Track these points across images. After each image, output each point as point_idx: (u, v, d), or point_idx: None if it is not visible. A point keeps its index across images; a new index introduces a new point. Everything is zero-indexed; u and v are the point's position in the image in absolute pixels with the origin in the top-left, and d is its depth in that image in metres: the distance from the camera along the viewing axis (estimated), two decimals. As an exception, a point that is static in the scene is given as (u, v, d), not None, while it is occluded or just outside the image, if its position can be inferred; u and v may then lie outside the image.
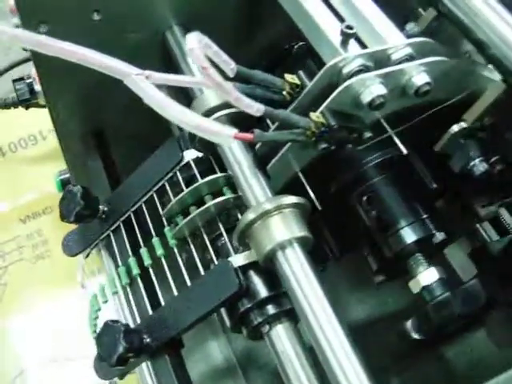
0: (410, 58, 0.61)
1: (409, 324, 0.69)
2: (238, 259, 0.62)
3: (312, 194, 0.62)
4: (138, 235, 0.70)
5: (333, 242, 0.74)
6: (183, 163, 0.68)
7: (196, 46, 0.48)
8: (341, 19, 0.64)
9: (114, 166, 0.78)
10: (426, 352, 0.94)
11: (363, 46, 0.63)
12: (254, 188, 0.61)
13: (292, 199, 0.59)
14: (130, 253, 0.69)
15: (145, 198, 0.69)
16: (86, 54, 0.53)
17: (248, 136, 0.53)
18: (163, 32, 0.74)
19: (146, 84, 0.54)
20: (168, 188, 0.68)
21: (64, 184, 0.91)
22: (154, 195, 0.70)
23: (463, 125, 0.64)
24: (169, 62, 0.74)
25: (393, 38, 0.62)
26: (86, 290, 0.77)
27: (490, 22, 0.61)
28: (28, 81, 0.92)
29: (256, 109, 0.51)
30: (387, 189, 0.70)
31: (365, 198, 0.70)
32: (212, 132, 0.52)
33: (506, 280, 0.81)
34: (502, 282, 0.81)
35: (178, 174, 0.69)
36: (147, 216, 0.68)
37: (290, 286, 0.56)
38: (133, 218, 0.70)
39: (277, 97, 0.59)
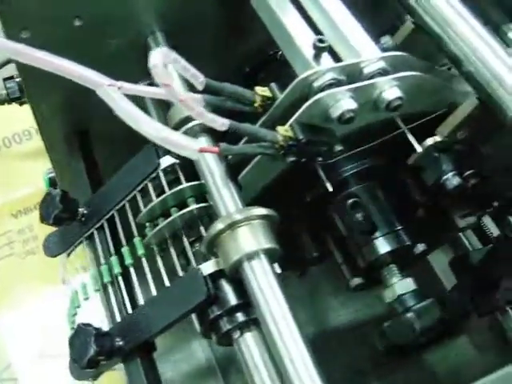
0: (383, 72, 0.61)
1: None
2: (208, 267, 0.62)
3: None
4: (110, 242, 0.71)
5: (310, 249, 0.75)
6: (160, 169, 0.69)
7: (159, 62, 0.49)
8: (317, 31, 0.64)
9: (97, 168, 0.79)
10: (408, 357, 0.94)
11: (338, 58, 0.63)
12: (225, 198, 0.62)
13: (261, 211, 0.59)
14: (102, 260, 0.71)
15: (121, 204, 0.70)
16: (60, 63, 0.54)
17: (214, 149, 0.54)
18: (146, 38, 0.74)
19: (117, 95, 0.55)
20: (138, 196, 0.69)
21: (52, 182, 0.93)
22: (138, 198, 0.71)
23: (437, 138, 0.64)
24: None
25: (367, 52, 0.62)
26: (68, 286, 0.79)
27: (464, 37, 0.61)
28: (18, 79, 0.93)
29: (220, 123, 0.52)
30: (364, 199, 0.71)
31: (341, 208, 0.71)
32: (178, 145, 0.53)
33: (485, 289, 0.82)
34: (482, 291, 0.82)
35: (156, 180, 0.70)
36: (118, 224, 0.70)
37: (254, 296, 0.57)
38: (106, 225, 0.71)
39: (248, 109, 0.60)
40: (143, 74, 0.73)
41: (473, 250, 0.85)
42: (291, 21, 0.64)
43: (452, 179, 0.65)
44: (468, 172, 0.67)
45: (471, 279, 0.81)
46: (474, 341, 0.98)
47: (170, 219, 0.65)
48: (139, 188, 0.69)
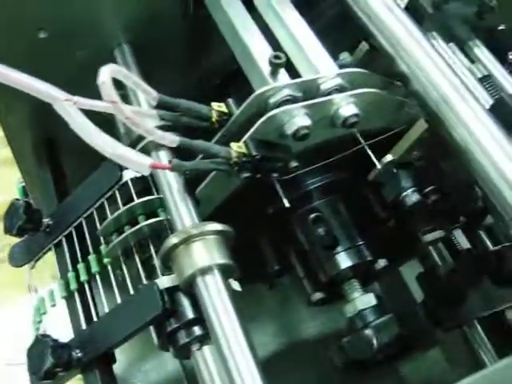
0: (340, 89, 0.61)
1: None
2: (164, 281, 0.62)
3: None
4: (68, 256, 0.72)
5: (272, 262, 0.75)
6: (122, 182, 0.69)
7: (107, 79, 0.49)
8: (276, 46, 0.64)
9: (64, 179, 0.79)
10: (380, 369, 0.94)
11: (296, 74, 0.63)
12: (182, 212, 0.62)
13: (215, 226, 0.60)
14: (70, 267, 0.71)
15: (85, 215, 0.70)
16: (17, 77, 0.54)
17: (165, 166, 0.54)
18: (112, 50, 0.75)
19: (73, 109, 0.55)
20: (106, 206, 0.69)
21: (25, 191, 0.93)
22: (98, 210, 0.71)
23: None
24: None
25: (324, 68, 0.62)
26: (35, 295, 0.79)
27: (413, 55, 0.60)
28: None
29: (170, 140, 0.52)
30: (326, 213, 0.71)
31: (303, 222, 0.71)
32: (129, 161, 0.53)
33: (452, 302, 0.82)
34: (447, 306, 0.82)
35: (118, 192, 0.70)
36: (86, 233, 0.70)
37: (206, 311, 0.57)
38: (66, 238, 0.72)
39: (205, 125, 0.60)
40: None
41: (439, 265, 0.85)
42: (250, 36, 0.64)
43: (411, 195, 0.66)
44: (428, 188, 0.67)
45: (437, 294, 0.81)
46: (447, 353, 0.98)
47: (135, 227, 0.65)
48: (100, 201, 0.69)
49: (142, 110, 0.56)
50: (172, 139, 0.52)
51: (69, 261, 0.71)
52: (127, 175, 0.69)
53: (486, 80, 0.70)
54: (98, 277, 0.68)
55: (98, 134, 0.53)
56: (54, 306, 0.72)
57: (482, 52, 0.73)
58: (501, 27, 1.01)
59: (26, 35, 0.69)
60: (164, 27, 0.74)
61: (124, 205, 0.68)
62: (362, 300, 0.68)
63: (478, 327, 0.82)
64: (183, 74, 0.79)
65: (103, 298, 0.68)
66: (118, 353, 0.92)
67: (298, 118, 0.57)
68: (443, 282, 0.81)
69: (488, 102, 0.65)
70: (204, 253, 0.58)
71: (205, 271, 0.58)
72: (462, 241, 0.86)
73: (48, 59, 0.70)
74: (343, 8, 0.67)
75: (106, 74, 0.49)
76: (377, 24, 0.63)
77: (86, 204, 0.71)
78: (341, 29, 0.72)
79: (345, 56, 0.65)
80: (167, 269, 0.61)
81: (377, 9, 0.64)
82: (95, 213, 0.70)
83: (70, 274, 0.70)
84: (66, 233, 0.72)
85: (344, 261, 0.69)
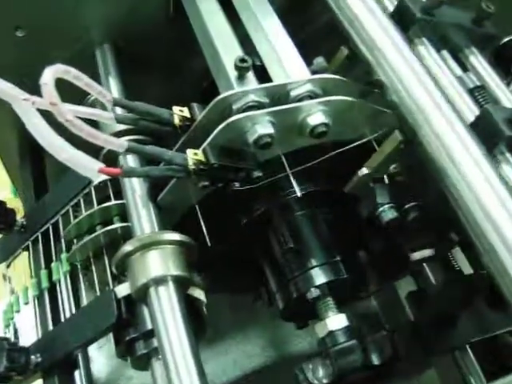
0: (313, 96, 0.58)
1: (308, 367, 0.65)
2: (122, 289, 0.61)
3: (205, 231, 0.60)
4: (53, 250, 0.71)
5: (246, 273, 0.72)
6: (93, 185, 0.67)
7: (49, 81, 0.47)
8: (251, 50, 0.62)
9: (44, 179, 0.79)
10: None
11: (268, 79, 0.60)
12: (142, 219, 0.60)
13: (173, 236, 0.58)
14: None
15: (56, 217, 0.69)
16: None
17: (115, 171, 0.52)
18: (93, 50, 0.73)
19: (30, 110, 0.54)
20: (70, 211, 0.68)
21: (19, 189, 0.93)
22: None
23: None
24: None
25: (296, 73, 0.59)
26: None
27: (392, 64, 0.57)
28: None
29: (117, 144, 0.50)
30: (302, 226, 0.68)
31: (276, 234, 0.68)
32: (79, 165, 0.51)
33: (442, 325, 0.77)
34: (438, 328, 0.77)
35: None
36: (51, 238, 0.69)
37: (155, 323, 0.55)
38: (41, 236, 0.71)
39: (167, 129, 0.58)
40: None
41: (432, 284, 0.80)
42: (222, 39, 0.62)
43: (388, 212, 0.62)
44: (409, 205, 0.63)
45: (426, 316, 0.77)
46: (442, 376, 0.93)
47: (94, 234, 0.64)
48: (72, 203, 0.68)
49: (97, 112, 0.54)
50: (119, 143, 0.50)
51: (42, 260, 0.70)
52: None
53: (478, 90, 0.65)
54: (62, 279, 0.68)
55: (51, 136, 0.52)
56: (26, 303, 0.72)
57: (477, 60, 0.68)
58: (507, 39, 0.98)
59: (5, 33, 0.68)
60: (147, 28, 0.73)
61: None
62: (333, 321, 0.64)
63: (469, 351, 0.77)
64: (168, 76, 0.77)
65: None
66: (102, 357, 0.91)
67: (261, 126, 0.54)
68: (432, 303, 0.77)
69: (475, 113, 0.61)
70: (159, 263, 0.56)
71: (158, 282, 0.56)
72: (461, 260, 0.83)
73: (26, 57, 0.70)
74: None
75: (48, 76, 0.48)
76: (356, 28, 0.59)
77: (57, 205, 0.70)
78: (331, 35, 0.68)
79: (319, 61, 0.61)
80: (123, 277, 0.60)
81: (357, 12, 0.60)
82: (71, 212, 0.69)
83: (42, 272, 0.69)
84: (41, 231, 0.71)
85: (318, 277, 0.65)
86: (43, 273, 0.68)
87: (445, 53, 0.68)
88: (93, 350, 0.89)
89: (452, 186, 0.51)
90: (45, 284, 0.68)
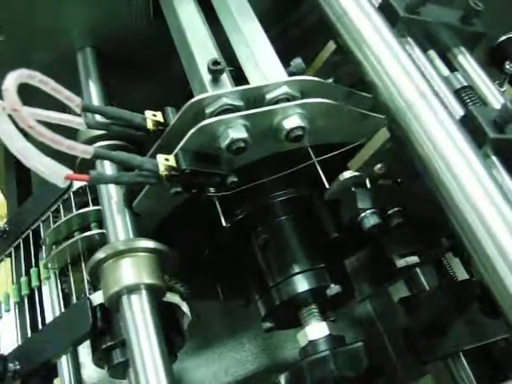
0: (290, 98, 0.56)
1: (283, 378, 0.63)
2: (98, 297, 0.59)
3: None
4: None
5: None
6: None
7: (10, 86, 0.46)
8: (227, 56, 0.60)
9: (28, 187, 0.78)
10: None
11: (246, 82, 0.58)
12: (117, 225, 0.59)
13: (147, 243, 0.56)
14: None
15: (36, 223, 0.69)
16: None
17: (83, 177, 0.51)
18: (75, 53, 0.72)
19: (2, 115, 0.53)
20: (51, 216, 0.67)
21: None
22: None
23: (355, 172, 0.59)
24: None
25: (272, 76, 0.57)
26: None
27: (382, 61, 0.54)
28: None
29: (82, 150, 0.49)
30: (284, 232, 0.66)
31: (258, 240, 0.66)
32: (45, 172, 0.50)
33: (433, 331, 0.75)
34: (430, 334, 0.75)
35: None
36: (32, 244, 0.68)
37: (127, 331, 0.53)
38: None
39: (140, 134, 0.56)
40: (75, 89, 0.72)
41: (425, 290, 0.78)
42: (198, 41, 0.60)
43: (370, 218, 0.59)
44: (392, 210, 0.61)
45: (417, 323, 0.75)
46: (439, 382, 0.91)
47: (70, 241, 0.63)
48: (52, 209, 0.67)
49: (67, 117, 0.53)
50: (83, 149, 0.48)
51: (23, 266, 0.70)
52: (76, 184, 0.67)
53: (465, 90, 0.63)
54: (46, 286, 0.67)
55: (19, 142, 0.51)
56: (7, 311, 0.71)
57: (466, 60, 0.66)
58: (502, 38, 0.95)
59: (-18, 37, 0.68)
60: (128, 32, 0.71)
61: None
62: (313, 330, 0.63)
63: (463, 359, 0.75)
64: (153, 79, 0.76)
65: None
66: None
67: (234, 130, 0.53)
68: (423, 310, 0.75)
69: (460, 114, 0.58)
70: (132, 270, 0.55)
71: (131, 290, 0.55)
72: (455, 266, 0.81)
73: (6, 59, 0.69)
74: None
75: (10, 81, 0.47)
76: (345, 23, 0.57)
77: (38, 212, 0.69)
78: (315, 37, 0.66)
79: (297, 62, 0.59)
80: (97, 284, 0.58)
81: (346, 7, 0.58)
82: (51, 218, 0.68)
83: (22, 280, 0.69)
84: (22, 238, 0.70)
85: (301, 284, 0.64)
86: (23, 280, 0.67)
87: (432, 52, 0.66)
88: (84, 355, 0.88)
89: (442, 186, 0.49)
90: (25, 291, 0.67)
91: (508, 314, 0.44)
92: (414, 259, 0.70)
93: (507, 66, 0.78)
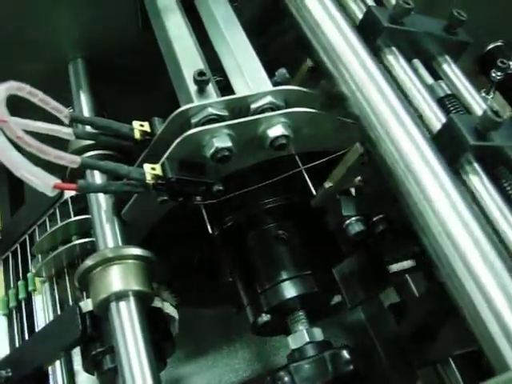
0: (275, 108, 0.57)
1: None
2: (88, 303, 0.60)
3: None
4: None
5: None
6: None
7: (0, 98, 0.47)
8: (214, 66, 0.61)
9: (20, 196, 0.79)
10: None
11: (231, 92, 0.60)
12: (106, 234, 0.60)
13: (136, 251, 0.57)
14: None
15: (28, 232, 0.70)
16: None
17: (70, 186, 0.52)
18: (66, 64, 0.74)
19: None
20: (48, 223, 0.68)
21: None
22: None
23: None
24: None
25: (257, 86, 0.58)
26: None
27: (355, 76, 0.56)
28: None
29: (69, 160, 0.50)
30: (274, 238, 0.67)
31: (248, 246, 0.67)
32: (32, 180, 0.51)
33: (424, 338, 0.75)
34: (420, 340, 0.76)
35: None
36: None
37: (115, 338, 0.54)
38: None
39: (127, 143, 0.57)
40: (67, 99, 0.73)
41: (414, 296, 0.79)
42: (184, 52, 0.61)
43: (355, 225, 0.61)
44: (376, 217, 0.62)
45: (406, 329, 0.75)
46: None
47: (56, 252, 0.64)
48: (44, 218, 0.68)
49: (56, 127, 0.54)
50: (71, 159, 0.50)
51: (12, 277, 0.71)
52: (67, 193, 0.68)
53: (449, 99, 0.64)
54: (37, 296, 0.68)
55: (9, 152, 0.52)
56: (-1, 316, 0.73)
57: (450, 68, 0.67)
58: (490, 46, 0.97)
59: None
60: (119, 43, 0.72)
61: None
62: (296, 336, 0.63)
63: (452, 364, 0.75)
64: (145, 89, 0.77)
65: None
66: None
67: (218, 139, 0.54)
68: (412, 316, 0.75)
69: (443, 122, 0.59)
70: (120, 277, 0.56)
71: (119, 296, 0.56)
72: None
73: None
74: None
75: (-2, 93, 0.48)
76: (318, 38, 0.58)
77: (30, 220, 0.70)
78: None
79: (282, 72, 0.60)
80: (86, 291, 0.59)
81: (319, 22, 0.59)
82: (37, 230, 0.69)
83: (10, 292, 0.70)
84: (12, 249, 0.71)
85: (288, 290, 0.65)
86: (11, 292, 0.68)
87: (416, 61, 0.68)
88: (78, 362, 0.89)
89: (411, 202, 0.50)
90: (13, 303, 0.68)
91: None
92: (408, 263, 0.70)
93: (493, 74, 0.79)
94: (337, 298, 0.68)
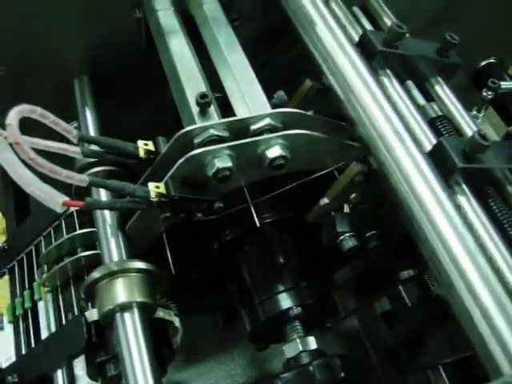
0: (273, 129, 0.60)
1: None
2: (93, 314, 0.63)
3: (170, 260, 0.63)
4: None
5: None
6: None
7: (13, 121, 0.50)
8: (215, 85, 0.64)
9: (26, 207, 0.81)
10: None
11: (231, 109, 0.62)
12: (111, 247, 0.63)
13: (139, 264, 0.60)
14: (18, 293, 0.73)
15: (34, 243, 0.72)
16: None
17: (78, 203, 0.54)
18: (72, 81, 0.76)
19: (2, 144, 0.57)
20: (52, 235, 0.71)
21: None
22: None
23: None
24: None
25: (256, 108, 0.61)
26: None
27: (361, 100, 0.59)
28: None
29: (78, 179, 0.53)
30: (271, 252, 0.70)
31: (246, 260, 0.70)
32: (43, 197, 0.54)
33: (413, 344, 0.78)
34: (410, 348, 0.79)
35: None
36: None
37: (120, 347, 0.57)
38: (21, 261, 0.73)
39: (132, 162, 0.60)
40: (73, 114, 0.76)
41: (402, 306, 0.82)
42: (187, 74, 0.64)
43: (348, 240, 0.63)
44: (369, 233, 0.65)
45: (398, 337, 0.78)
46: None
47: (62, 263, 0.66)
48: (49, 229, 0.71)
49: (65, 146, 0.57)
50: (80, 179, 0.52)
51: (18, 286, 0.73)
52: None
53: (440, 120, 0.66)
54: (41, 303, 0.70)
55: (19, 170, 0.55)
56: (1, 329, 0.75)
57: (442, 90, 0.70)
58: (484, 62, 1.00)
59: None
60: (123, 61, 0.74)
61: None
62: (290, 345, 0.66)
63: (442, 371, 0.78)
64: (149, 106, 0.79)
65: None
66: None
67: (219, 159, 0.57)
68: (403, 324, 0.78)
69: (433, 143, 0.62)
70: (124, 290, 0.59)
71: (124, 308, 0.58)
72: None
73: (7, 91, 0.73)
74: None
75: (12, 117, 0.51)
76: (328, 64, 0.62)
77: (36, 231, 0.72)
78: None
79: (280, 95, 0.63)
80: (91, 303, 0.62)
81: (330, 49, 0.63)
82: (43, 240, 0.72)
83: (17, 300, 0.72)
84: (17, 258, 0.74)
85: (284, 301, 0.67)
86: (17, 300, 0.71)
87: (409, 83, 0.71)
88: (78, 369, 0.92)
89: (412, 218, 0.53)
90: (19, 311, 0.71)
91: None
92: (410, 273, 0.74)
93: (484, 94, 0.81)
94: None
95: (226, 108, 0.64)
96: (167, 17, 0.71)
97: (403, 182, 0.54)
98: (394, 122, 0.57)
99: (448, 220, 0.51)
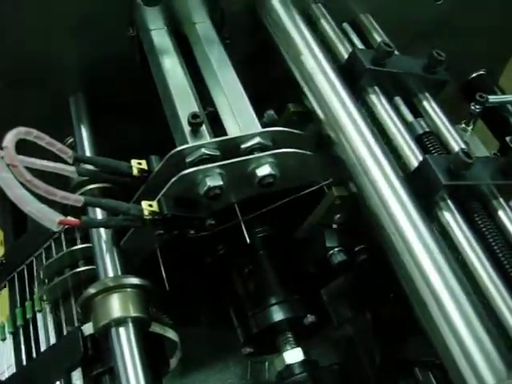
0: (263, 148, 0.62)
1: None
2: (89, 327, 0.64)
3: (164, 275, 0.64)
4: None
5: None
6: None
7: (10, 144, 0.52)
8: (207, 103, 0.66)
9: (23, 221, 0.82)
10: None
11: (223, 132, 0.64)
12: (107, 263, 0.64)
13: (133, 280, 0.62)
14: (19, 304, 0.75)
15: (35, 255, 0.74)
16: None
17: (74, 222, 0.56)
18: (67, 98, 0.78)
19: (0, 164, 0.58)
20: (53, 247, 0.72)
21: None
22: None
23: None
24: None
25: (246, 127, 0.63)
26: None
27: (338, 120, 0.62)
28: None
29: (74, 199, 0.54)
30: (263, 266, 0.71)
31: (239, 274, 0.72)
32: (39, 217, 0.55)
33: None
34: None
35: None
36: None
37: (115, 361, 0.59)
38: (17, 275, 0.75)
39: (126, 180, 0.62)
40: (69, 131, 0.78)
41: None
42: (180, 94, 0.66)
43: (337, 255, 0.65)
44: (358, 247, 0.67)
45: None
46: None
47: (62, 277, 0.68)
48: (49, 242, 0.73)
49: (60, 166, 0.59)
50: (76, 199, 0.54)
51: (18, 298, 0.75)
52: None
53: (427, 136, 0.68)
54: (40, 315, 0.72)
55: (15, 189, 0.56)
56: (3, 340, 0.76)
57: (430, 106, 0.71)
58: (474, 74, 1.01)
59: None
60: (119, 78, 0.76)
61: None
62: (290, 355, 0.68)
63: (430, 375, 0.80)
64: (144, 123, 0.81)
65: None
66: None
67: (211, 178, 0.58)
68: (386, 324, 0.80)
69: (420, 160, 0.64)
70: (119, 305, 0.61)
71: (119, 323, 0.60)
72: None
73: (3, 110, 0.74)
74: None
75: (9, 139, 0.52)
76: (310, 87, 0.65)
77: (32, 247, 0.74)
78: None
79: (270, 114, 0.65)
80: (87, 317, 0.64)
81: (310, 70, 0.65)
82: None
83: (18, 310, 0.74)
84: (17, 271, 0.75)
85: (277, 313, 0.69)
86: (18, 310, 0.72)
87: (398, 99, 0.72)
88: (75, 379, 0.93)
89: (388, 240, 0.55)
90: (20, 322, 0.72)
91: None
92: None
93: (472, 107, 0.83)
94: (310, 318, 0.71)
95: (218, 123, 0.66)
96: (160, 36, 0.73)
97: (381, 207, 0.57)
98: (372, 146, 0.60)
99: (423, 245, 0.54)
